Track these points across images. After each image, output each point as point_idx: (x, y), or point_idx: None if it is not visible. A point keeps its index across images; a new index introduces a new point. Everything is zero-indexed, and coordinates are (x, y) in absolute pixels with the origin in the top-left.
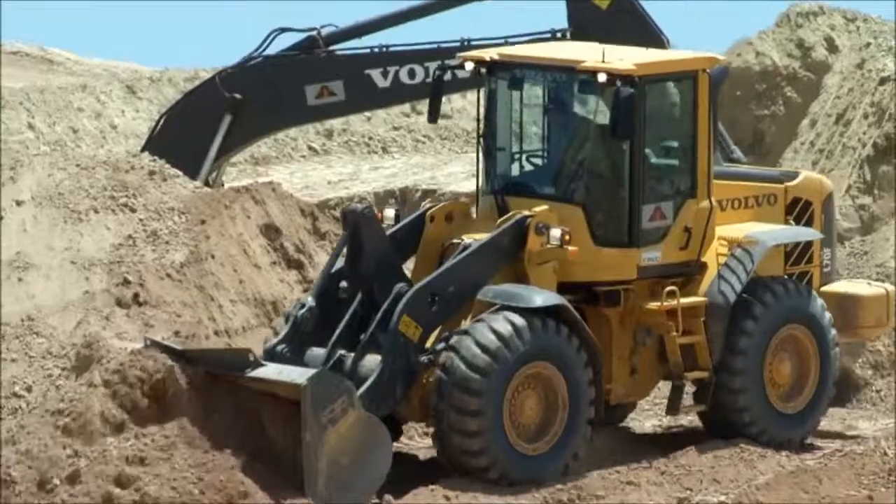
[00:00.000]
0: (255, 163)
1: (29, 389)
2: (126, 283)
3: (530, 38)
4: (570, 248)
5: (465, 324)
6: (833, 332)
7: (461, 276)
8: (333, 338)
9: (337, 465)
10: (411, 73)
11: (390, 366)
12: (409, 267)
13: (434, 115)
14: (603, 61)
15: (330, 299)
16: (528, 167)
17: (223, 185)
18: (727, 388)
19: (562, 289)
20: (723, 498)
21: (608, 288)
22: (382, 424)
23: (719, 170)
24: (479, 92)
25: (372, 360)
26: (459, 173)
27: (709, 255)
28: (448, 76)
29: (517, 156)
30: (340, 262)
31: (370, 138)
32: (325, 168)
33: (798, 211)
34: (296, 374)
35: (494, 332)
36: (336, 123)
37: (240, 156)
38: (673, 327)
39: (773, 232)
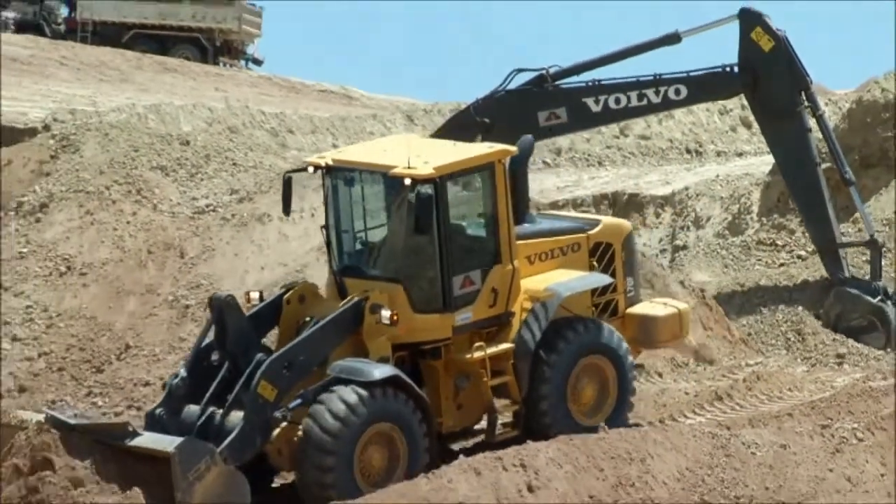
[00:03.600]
0: None
1: None
2: None
3: (706, 71)
4: (398, 325)
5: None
6: (630, 358)
7: (310, 347)
8: (206, 397)
9: None
10: (617, 101)
11: (251, 421)
12: (273, 335)
13: (287, 208)
14: (409, 166)
15: (201, 369)
16: (360, 253)
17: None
18: (536, 411)
19: (398, 348)
20: (855, 425)
21: (430, 346)
22: (241, 474)
23: (530, 229)
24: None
25: (236, 416)
26: (656, 181)
27: (516, 306)
28: (314, 171)
29: (351, 244)
30: (207, 339)
31: (589, 155)
32: (555, 177)
33: (600, 253)
34: (166, 443)
35: (343, 400)
36: (563, 143)
37: None
38: (484, 373)
39: (569, 282)
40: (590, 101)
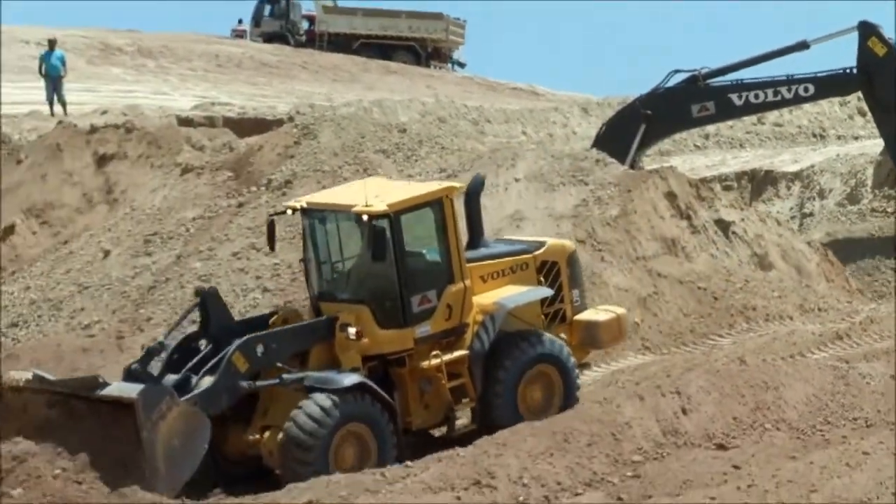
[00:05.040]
0: (661, 154)
1: None
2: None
3: (830, 73)
4: (364, 340)
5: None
6: (573, 360)
7: (284, 339)
8: (186, 367)
9: (170, 446)
10: (756, 96)
11: (221, 382)
12: None
13: (271, 245)
14: (366, 204)
15: (186, 351)
16: (332, 280)
17: (643, 168)
18: (491, 414)
19: (368, 359)
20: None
21: (396, 356)
22: (201, 412)
23: (484, 252)
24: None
25: (209, 380)
26: (787, 160)
27: (470, 318)
28: (284, 214)
29: (325, 273)
30: (188, 325)
31: (732, 139)
32: (703, 157)
33: (546, 270)
34: (130, 389)
35: (318, 405)
36: (711, 129)
37: (651, 150)
38: (442, 377)
39: (514, 296)
40: (734, 97)
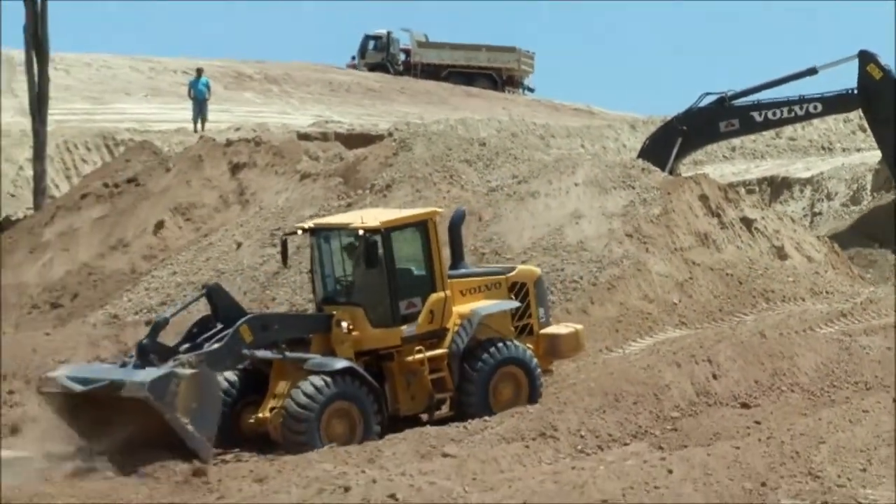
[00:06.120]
0: (695, 163)
1: (581, 278)
2: (631, 225)
3: (834, 93)
4: (355, 333)
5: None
6: (538, 369)
7: (285, 323)
8: (200, 338)
9: (192, 410)
10: (774, 114)
11: (227, 346)
12: None
13: (284, 261)
14: (362, 222)
15: (202, 326)
16: (334, 287)
17: (680, 175)
18: (466, 405)
19: (363, 354)
20: None
21: (385, 351)
22: (203, 370)
23: (463, 272)
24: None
25: (218, 345)
26: (800, 168)
27: (450, 323)
28: (296, 235)
29: (328, 281)
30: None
31: (754, 150)
32: (730, 165)
33: (517, 290)
34: (139, 388)
35: (312, 384)
36: (736, 143)
37: (687, 159)
38: (425, 370)
39: (487, 307)
40: (755, 115)
